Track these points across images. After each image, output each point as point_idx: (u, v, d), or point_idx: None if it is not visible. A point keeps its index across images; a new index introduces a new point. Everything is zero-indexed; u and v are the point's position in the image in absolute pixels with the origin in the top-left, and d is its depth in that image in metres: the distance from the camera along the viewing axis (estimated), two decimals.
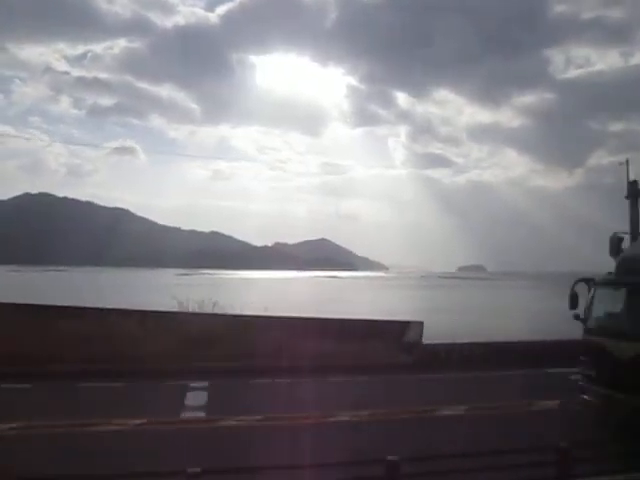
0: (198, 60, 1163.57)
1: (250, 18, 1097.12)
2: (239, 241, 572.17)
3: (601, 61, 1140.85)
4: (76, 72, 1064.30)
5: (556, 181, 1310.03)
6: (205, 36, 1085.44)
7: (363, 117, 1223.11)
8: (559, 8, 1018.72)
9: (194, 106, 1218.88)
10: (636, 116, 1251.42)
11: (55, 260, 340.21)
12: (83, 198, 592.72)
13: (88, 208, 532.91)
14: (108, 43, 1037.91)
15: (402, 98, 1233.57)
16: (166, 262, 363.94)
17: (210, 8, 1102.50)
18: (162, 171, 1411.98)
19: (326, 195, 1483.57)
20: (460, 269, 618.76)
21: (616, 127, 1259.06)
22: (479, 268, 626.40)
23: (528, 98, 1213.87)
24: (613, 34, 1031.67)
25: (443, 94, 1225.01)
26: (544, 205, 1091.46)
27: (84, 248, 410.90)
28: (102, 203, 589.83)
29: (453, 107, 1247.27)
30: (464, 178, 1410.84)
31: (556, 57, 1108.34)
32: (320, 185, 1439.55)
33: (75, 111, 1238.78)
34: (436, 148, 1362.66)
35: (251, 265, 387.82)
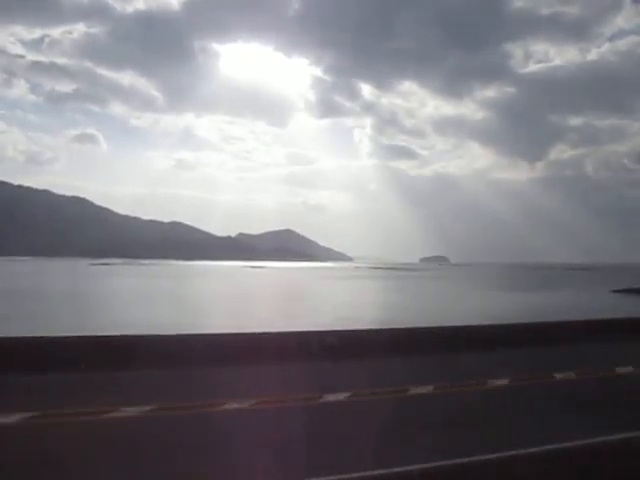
0: (160, 47, 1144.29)
1: (213, 5, 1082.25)
2: (201, 231, 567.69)
3: (559, 56, 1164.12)
4: (33, 56, 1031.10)
5: (519, 174, 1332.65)
6: (167, 23, 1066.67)
7: (329, 108, 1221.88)
8: (518, 3, 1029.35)
9: (157, 94, 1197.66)
10: (594, 111, 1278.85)
11: (9, 250, 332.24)
12: (40, 187, 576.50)
13: (45, 197, 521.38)
14: (67, 28, 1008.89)
15: (367, 90, 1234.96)
16: (121, 252, 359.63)
17: None
18: (125, 160, 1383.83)
19: (293, 186, 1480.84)
20: (423, 260, 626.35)
21: (575, 121, 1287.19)
22: (442, 259, 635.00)
23: (490, 92, 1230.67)
24: (571, 30, 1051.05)
25: (407, 86, 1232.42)
26: (508, 197, 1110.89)
27: (39, 238, 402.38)
28: (60, 192, 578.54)
29: (417, 99, 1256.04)
30: (429, 170, 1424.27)
31: (516, 52, 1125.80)
32: (287, 176, 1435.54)
33: (32, 97, 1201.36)
34: (401, 140, 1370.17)
35: (212, 256, 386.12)
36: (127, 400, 8.85)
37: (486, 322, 21.82)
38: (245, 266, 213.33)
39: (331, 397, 9.55)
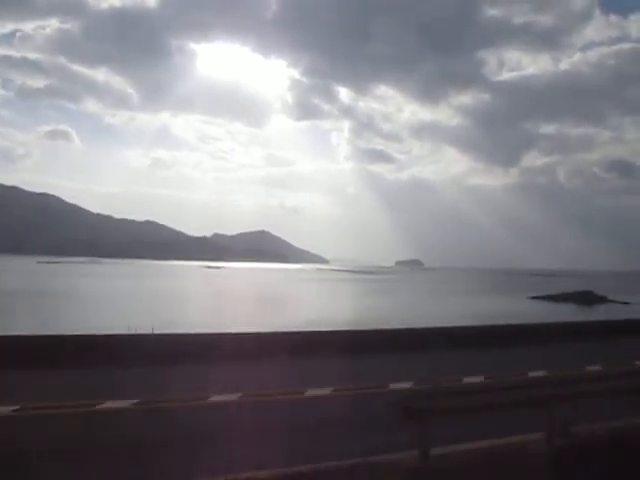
0: (135, 45, 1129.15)
1: (190, 5, 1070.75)
2: (175, 231, 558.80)
3: (533, 65, 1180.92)
4: (3, 51, 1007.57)
5: (494, 179, 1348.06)
6: (142, 20, 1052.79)
7: (306, 110, 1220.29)
8: (491, 12, 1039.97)
9: (132, 92, 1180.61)
10: (566, 119, 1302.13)
11: None
12: (10, 183, 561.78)
13: (13, 193, 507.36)
14: (40, 23, 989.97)
15: (344, 93, 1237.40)
16: (89, 250, 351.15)
17: None
18: (100, 158, 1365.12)
19: (270, 187, 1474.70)
20: (398, 263, 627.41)
21: (548, 129, 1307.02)
22: (417, 263, 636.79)
23: (465, 98, 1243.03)
24: (543, 40, 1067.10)
25: (384, 90, 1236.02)
26: (483, 203, 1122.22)
27: (4, 235, 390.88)
28: (29, 189, 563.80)
29: (394, 104, 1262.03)
30: (406, 174, 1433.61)
31: (490, 59, 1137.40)
32: (264, 177, 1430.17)
33: (3, 92, 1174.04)
34: (378, 144, 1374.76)
35: (183, 255, 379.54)
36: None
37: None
38: (205, 266, 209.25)
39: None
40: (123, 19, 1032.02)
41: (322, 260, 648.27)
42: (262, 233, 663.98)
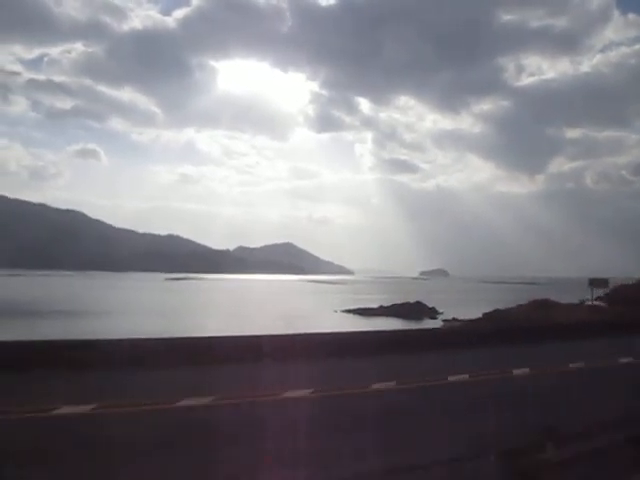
0: (157, 64, 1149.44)
1: (208, 23, 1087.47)
2: (198, 244, 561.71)
3: (552, 69, 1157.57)
4: (32, 75, 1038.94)
5: (519, 186, 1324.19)
6: (163, 40, 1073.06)
7: (328, 122, 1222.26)
8: (506, 17, 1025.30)
9: (156, 109, 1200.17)
10: (590, 123, 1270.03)
11: None
12: (40, 201, 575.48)
13: (40, 210, 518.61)
14: (65, 47, 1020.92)
15: (364, 104, 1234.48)
16: (109, 265, 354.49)
17: (166, 12, 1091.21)
18: (127, 175, 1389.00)
19: (296, 199, 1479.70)
20: (422, 273, 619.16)
21: (573, 134, 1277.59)
22: (442, 272, 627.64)
23: (485, 105, 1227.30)
24: (562, 42, 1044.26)
25: (404, 100, 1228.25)
26: (509, 211, 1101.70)
27: (30, 251, 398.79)
28: (57, 205, 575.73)
29: (415, 114, 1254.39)
30: (431, 184, 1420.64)
31: (508, 65, 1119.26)
32: (290, 190, 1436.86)
33: (34, 114, 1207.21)
34: (402, 154, 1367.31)
35: (205, 269, 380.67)
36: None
37: None
38: (167, 278, 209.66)
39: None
40: (145, 40, 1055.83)
41: (346, 271, 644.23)
42: (286, 245, 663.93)
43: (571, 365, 14.55)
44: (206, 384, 11.96)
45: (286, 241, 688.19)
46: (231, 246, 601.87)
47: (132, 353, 13.82)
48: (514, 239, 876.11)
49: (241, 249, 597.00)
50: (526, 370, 13.73)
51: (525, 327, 24.66)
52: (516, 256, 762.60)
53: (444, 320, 52.73)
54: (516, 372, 13.59)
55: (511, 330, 22.27)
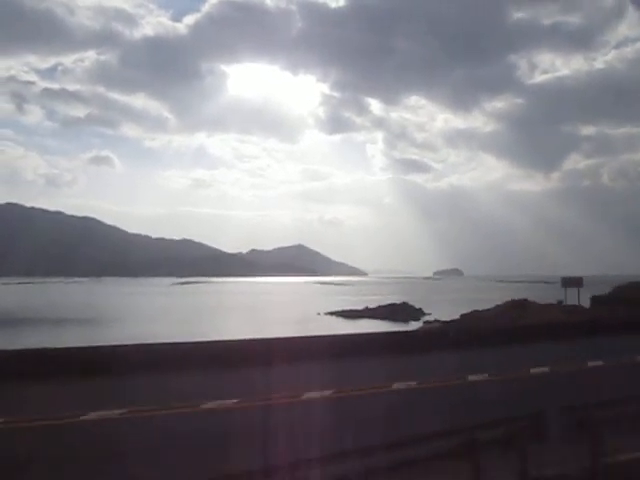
0: (168, 70, 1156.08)
1: (218, 28, 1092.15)
2: (211, 248, 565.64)
3: (566, 66, 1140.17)
4: (47, 84, 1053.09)
5: (534, 184, 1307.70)
6: (174, 47, 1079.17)
7: (339, 124, 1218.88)
8: (518, 15, 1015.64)
9: (168, 115, 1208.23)
10: (606, 120, 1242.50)
11: (14, 271, 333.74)
12: (56, 208, 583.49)
13: (57, 217, 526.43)
14: (78, 55, 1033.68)
15: (375, 105, 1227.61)
16: (124, 270, 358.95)
17: (177, 19, 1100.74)
18: (141, 180, 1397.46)
19: (308, 201, 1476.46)
20: (437, 273, 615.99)
21: (588, 131, 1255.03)
22: (456, 272, 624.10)
23: (498, 103, 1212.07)
24: (575, 39, 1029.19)
25: (414, 100, 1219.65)
26: (523, 209, 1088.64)
27: (46, 258, 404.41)
28: (73, 212, 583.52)
29: (426, 113, 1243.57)
30: (443, 183, 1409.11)
31: (521, 63, 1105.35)
32: (302, 192, 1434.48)
33: (49, 123, 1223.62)
34: (413, 154, 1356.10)
35: (218, 272, 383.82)
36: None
37: None
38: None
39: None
40: (156, 47, 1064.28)
41: (360, 273, 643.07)
42: (298, 247, 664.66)
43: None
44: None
45: (298, 243, 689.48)
46: (244, 249, 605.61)
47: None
48: (530, 237, 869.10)
49: (254, 252, 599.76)
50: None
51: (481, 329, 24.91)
52: (533, 254, 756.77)
53: (425, 322, 53.84)
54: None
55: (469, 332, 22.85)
